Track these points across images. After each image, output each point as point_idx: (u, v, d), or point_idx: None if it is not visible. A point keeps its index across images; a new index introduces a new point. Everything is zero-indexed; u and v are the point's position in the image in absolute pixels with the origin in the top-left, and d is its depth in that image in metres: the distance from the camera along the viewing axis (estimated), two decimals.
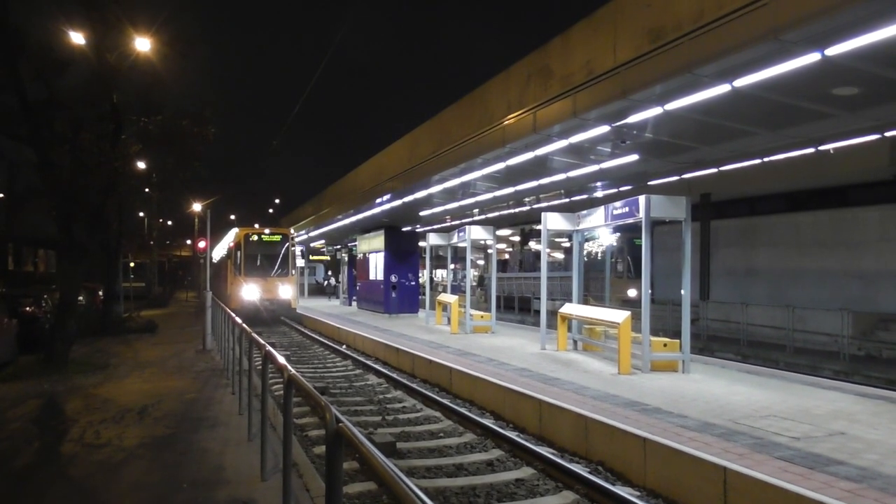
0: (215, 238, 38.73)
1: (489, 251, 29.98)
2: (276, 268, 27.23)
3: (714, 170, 13.99)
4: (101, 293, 24.64)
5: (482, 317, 19.00)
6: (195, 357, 14.88)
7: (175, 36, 14.09)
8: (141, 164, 20.99)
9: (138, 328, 21.88)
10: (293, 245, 28.50)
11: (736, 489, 5.70)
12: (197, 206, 40.20)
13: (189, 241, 62.93)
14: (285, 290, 26.94)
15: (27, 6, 13.11)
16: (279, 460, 6.05)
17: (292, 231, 30.81)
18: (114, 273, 23.16)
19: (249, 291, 26.09)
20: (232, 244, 28.48)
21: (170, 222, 61.12)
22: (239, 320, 9.60)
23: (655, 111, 9.77)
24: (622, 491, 6.35)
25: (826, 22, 6.18)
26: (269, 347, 6.01)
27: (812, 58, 7.03)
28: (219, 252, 37.27)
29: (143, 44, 13.40)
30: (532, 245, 43.70)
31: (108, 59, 13.29)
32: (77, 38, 13.01)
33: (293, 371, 4.49)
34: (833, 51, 6.84)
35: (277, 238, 27.81)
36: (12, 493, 5.82)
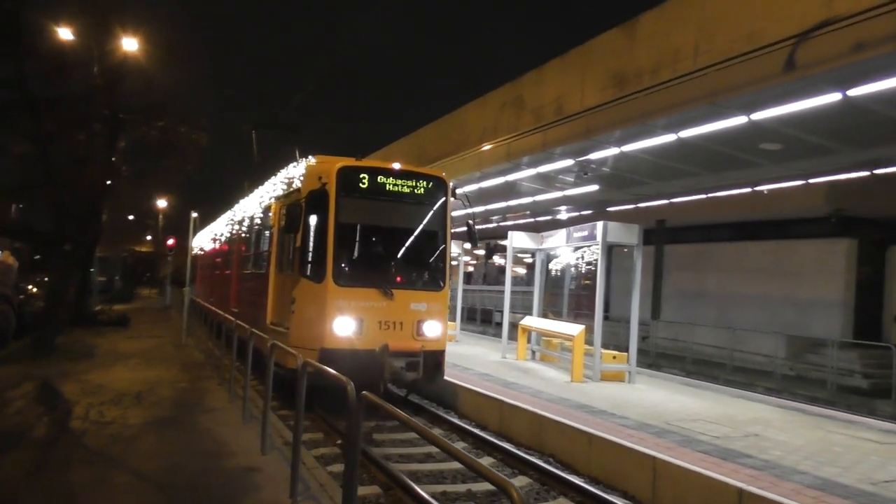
0: (183, 234, 37.91)
1: (454, 263, 30.62)
2: (418, 264, 10.57)
3: (666, 201, 15.36)
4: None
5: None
6: (175, 351, 15.56)
7: (172, 46, 14.93)
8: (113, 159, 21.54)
9: (110, 321, 22.25)
10: (450, 206, 10.67)
11: (661, 475, 6.88)
12: (161, 202, 40.43)
13: (149, 237, 62.73)
14: (433, 327, 10.18)
15: (36, 7, 13.77)
16: (275, 440, 7.07)
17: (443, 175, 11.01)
18: (88, 266, 23.53)
19: (344, 325, 9.58)
20: (300, 195, 10.01)
21: (130, 217, 60.87)
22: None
23: (614, 151, 11.02)
24: (569, 476, 7.47)
25: (752, 95, 7.48)
26: (275, 340, 6.98)
27: (741, 119, 8.36)
28: (227, 225, 18.16)
29: (130, 44, 13.96)
30: (496, 259, 44.91)
31: (107, 62, 14.06)
32: (67, 35, 13.58)
33: (304, 359, 5.51)
34: (757, 115, 8.18)
35: (420, 187, 10.31)
36: (42, 457, 6.65)
